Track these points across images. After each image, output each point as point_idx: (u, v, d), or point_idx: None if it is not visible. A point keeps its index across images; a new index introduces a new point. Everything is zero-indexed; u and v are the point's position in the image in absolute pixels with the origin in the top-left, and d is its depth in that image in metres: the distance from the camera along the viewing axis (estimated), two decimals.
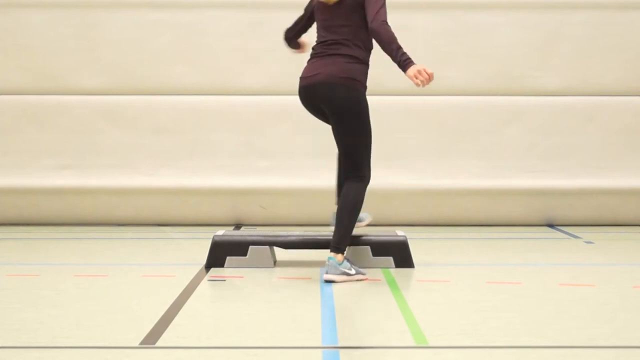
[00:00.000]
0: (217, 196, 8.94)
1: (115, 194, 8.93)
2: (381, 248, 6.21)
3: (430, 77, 5.42)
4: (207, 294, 5.46)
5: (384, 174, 8.52)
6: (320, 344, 4.08)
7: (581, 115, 9.03)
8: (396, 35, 5.52)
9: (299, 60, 5.91)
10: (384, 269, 6.10)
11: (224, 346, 4.06)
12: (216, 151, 8.98)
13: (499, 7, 9.04)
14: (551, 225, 8.99)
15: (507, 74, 9.00)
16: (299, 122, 8.60)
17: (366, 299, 5.26)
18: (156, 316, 4.59)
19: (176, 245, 7.73)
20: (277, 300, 5.17)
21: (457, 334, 4.27)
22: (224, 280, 5.80)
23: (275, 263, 6.30)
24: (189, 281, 5.67)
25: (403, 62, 5.47)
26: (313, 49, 5.85)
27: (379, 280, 5.74)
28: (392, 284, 5.63)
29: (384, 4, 5.57)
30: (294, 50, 6.20)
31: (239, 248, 6.22)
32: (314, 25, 5.96)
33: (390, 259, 6.21)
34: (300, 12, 6.07)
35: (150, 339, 4.13)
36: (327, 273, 5.64)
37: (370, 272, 5.91)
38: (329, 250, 5.71)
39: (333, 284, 5.57)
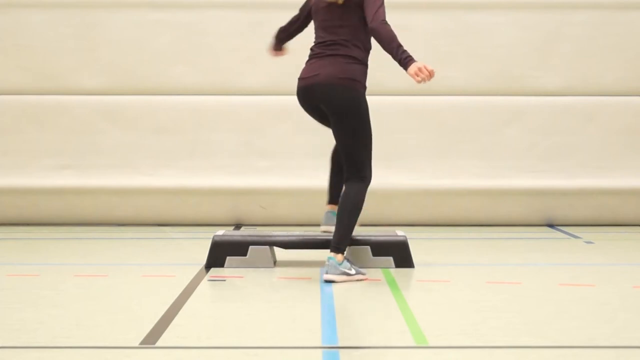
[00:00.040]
0: (217, 196, 8.94)
1: (115, 194, 8.92)
2: (381, 248, 6.21)
3: (431, 74, 5.41)
4: (207, 294, 5.46)
5: (384, 174, 8.51)
6: (320, 344, 4.08)
7: (581, 115, 9.02)
8: (396, 34, 5.52)
9: (299, 61, 5.90)
10: (384, 269, 6.10)
11: (224, 346, 4.06)
12: (216, 151, 8.98)
13: (499, 7, 9.03)
14: (551, 225, 8.99)
15: (507, 74, 9.00)
16: (299, 122, 8.58)
17: (366, 299, 5.25)
18: (156, 316, 4.59)
19: (176, 245, 7.73)
20: (277, 300, 5.17)
21: (457, 334, 4.27)
22: (224, 280, 5.80)
23: (275, 263, 6.30)
24: (189, 281, 5.67)
25: (404, 60, 5.46)
26: (311, 49, 5.83)
27: (379, 280, 5.74)
28: (392, 284, 5.62)
29: (382, 4, 5.57)
30: (275, 51, 6.15)
31: (239, 248, 6.22)
32: (310, 26, 5.95)
33: (390, 259, 6.20)
34: None
35: (150, 339, 4.12)
36: (327, 273, 5.64)
37: (370, 272, 5.91)
38: (329, 250, 5.71)
39: (333, 284, 5.57)
